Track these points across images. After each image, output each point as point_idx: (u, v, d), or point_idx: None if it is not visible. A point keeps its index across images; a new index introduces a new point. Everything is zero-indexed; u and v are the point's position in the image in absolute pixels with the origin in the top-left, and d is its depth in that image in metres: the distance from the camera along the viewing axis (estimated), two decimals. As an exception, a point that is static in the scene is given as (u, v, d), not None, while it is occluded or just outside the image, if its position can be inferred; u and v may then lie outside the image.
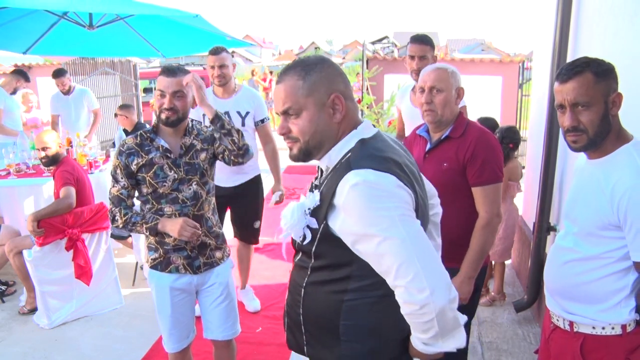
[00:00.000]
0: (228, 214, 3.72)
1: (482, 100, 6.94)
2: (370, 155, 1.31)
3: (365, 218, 1.25)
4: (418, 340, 1.34)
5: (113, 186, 2.26)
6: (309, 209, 1.36)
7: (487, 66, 8.79)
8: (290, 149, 1.40)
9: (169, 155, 2.23)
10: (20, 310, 3.82)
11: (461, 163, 2.12)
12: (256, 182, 3.71)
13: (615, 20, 2.57)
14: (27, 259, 3.55)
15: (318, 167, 1.48)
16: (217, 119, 2.25)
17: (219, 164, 3.55)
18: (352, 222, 1.27)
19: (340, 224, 1.31)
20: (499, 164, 2.14)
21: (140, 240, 4.17)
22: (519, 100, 8.61)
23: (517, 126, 8.58)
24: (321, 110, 1.34)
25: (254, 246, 3.95)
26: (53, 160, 3.64)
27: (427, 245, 1.27)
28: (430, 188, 1.68)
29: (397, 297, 1.29)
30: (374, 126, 1.47)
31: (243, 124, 3.51)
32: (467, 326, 2.32)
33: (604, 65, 1.55)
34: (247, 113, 3.53)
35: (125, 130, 5.32)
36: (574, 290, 1.66)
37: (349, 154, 1.34)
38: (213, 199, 2.40)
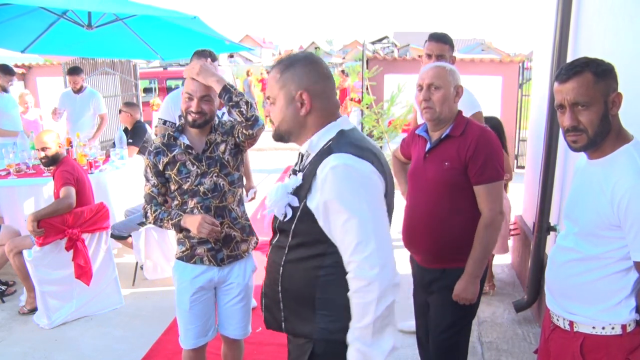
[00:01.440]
0: None
1: (482, 100, 6.92)
2: (350, 143, 1.47)
3: (339, 197, 1.40)
4: (351, 333, 1.42)
5: (145, 185, 2.34)
6: (292, 188, 1.51)
7: (487, 66, 8.78)
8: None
9: (190, 151, 2.27)
10: (20, 310, 3.82)
11: (463, 162, 2.10)
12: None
13: (615, 20, 2.57)
14: (27, 259, 3.55)
15: (299, 152, 1.62)
16: (224, 92, 2.21)
17: None
18: (327, 199, 1.41)
19: (317, 201, 1.45)
20: (500, 162, 2.13)
21: (140, 240, 4.17)
22: (519, 100, 8.61)
23: (517, 126, 8.58)
24: (290, 103, 1.51)
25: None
26: (53, 160, 3.64)
27: (386, 230, 1.43)
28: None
29: (348, 273, 1.42)
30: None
31: None
32: (468, 326, 2.33)
33: (603, 65, 1.55)
34: (223, 114, 3.53)
35: (125, 129, 5.32)
36: (575, 290, 1.66)
37: (330, 142, 1.49)
38: (239, 191, 2.41)
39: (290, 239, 1.55)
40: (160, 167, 2.27)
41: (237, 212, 2.38)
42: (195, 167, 2.26)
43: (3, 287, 4.13)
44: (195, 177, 2.26)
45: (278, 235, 1.62)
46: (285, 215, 1.52)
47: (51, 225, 3.46)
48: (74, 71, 5.94)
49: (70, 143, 4.97)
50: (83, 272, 3.58)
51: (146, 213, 2.35)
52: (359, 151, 1.45)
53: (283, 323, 1.62)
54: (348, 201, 1.39)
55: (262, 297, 1.70)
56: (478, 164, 2.08)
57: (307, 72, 1.51)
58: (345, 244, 1.41)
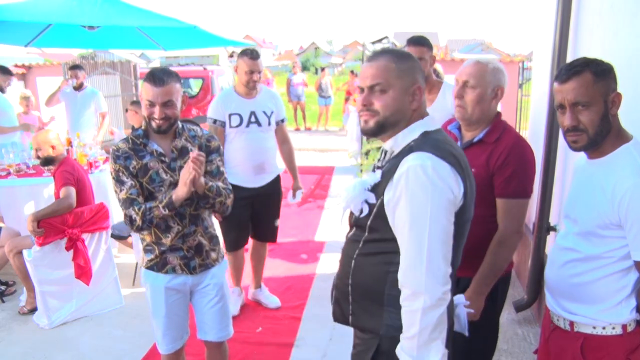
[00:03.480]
0: None
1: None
2: (432, 143, 1.46)
3: (408, 196, 1.40)
4: (400, 344, 1.45)
5: (120, 191, 2.18)
6: (369, 185, 1.51)
7: (487, 66, 8.75)
8: (366, 122, 1.54)
9: (163, 159, 2.22)
10: (20, 310, 3.82)
11: (490, 171, 1.97)
12: (278, 181, 3.75)
13: (615, 20, 2.57)
14: (27, 259, 3.55)
15: (382, 149, 1.63)
16: (203, 197, 2.21)
17: (239, 166, 3.57)
18: (398, 195, 1.42)
19: (389, 197, 1.45)
20: (529, 179, 1.98)
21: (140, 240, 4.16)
22: (519, 100, 8.60)
23: (517, 126, 8.57)
24: (404, 94, 1.50)
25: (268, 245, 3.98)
26: (46, 162, 3.65)
27: (442, 239, 1.40)
28: None
29: (398, 278, 1.43)
30: None
31: (269, 124, 3.57)
32: (492, 350, 2.22)
33: (603, 65, 1.55)
34: (272, 112, 3.59)
35: (132, 127, 5.36)
36: (575, 290, 1.66)
37: (412, 142, 1.48)
38: None
39: (366, 233, 1.55)
40: (132, 171, 2.19)
41: (208, 221, 2.37)
42: (168, 175, 2.21)
43: (3, 287, 4.12)
44: (168, 186, 2.20)
45: (354, 229, 1.62)
46: (362, 211, 1.53)
47: (51, 225, 3.46)
48: (75, 67, 5.98)
49: (70, 143, 4.97)
50: (83, 272, 3.58)
51: (131, 217, 2.13)
52: (439, 151, 1.43)
53: (350, 317, 1.61)
54: (413, 203, 1.39)
55: (332, 290, 1.70)
56: (504, 175, 1.95)
57: (417, 67, 1.55)
58: (400, 243, 1.43)
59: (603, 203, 1.54)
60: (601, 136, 1.56)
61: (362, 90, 1.55)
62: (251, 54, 3.39)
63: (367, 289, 1.55)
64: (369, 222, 1.52)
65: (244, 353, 3.21)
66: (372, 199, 1.50)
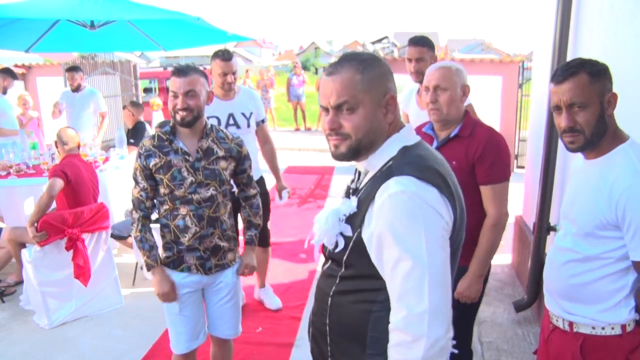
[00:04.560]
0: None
1: (482, 100, 6.93)
2: (414, 162, 1.25)
3: (394, 230, 1.20)
4: None
5: (134, 187, 2.29)
6: (344, 215, 1.32)
7: (487, 66, 8.78)
8: (337, 146, 1.31)
9: (187, 158, 2.23)
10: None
11: (470, 162, 2.14)
12: (261, 183, 3.70)
13: (615, 20, 2.57)
14: (27, 259, 3.55)
15: (355, 169, 1.44)
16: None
17: None
18: (381, 231, 1.22)
19: (370, 232, 1.26)
20: (507, 163, 2.19)
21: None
22: (519, 100, 8.61)
23: (517, 126, 8.58)
24: (377, 109, 1.28)
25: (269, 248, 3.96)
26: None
27: (442, 275, 1.20)
28: None
29: (390, 323, 1.23)
30: None
31: (248, 125, 3.49)
32: (470, 326, 2.31)
33: (598, 65, 1.56)
34: (251, 114, 3.51)
35: (129, 130, 5.38)
36: (574, 290, 1.66)
37: (391, 162, 1.28)
38: (229, 204, 2.39)
39: (342, 269, 1.36)
40: (152, 169, 2.22)
41: (227, 223, 2.37)
42: (190, 175, 2.22)
43: (3, 287, 4.12)
44: (189, 185, 2.21)
45: (330, 262, 1.43)
46: (337, 245, 1.33)
47: (51, 225, 3.46)
48: (71, 69, 5.98)
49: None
50: (82, 273, 3.57)
51: (132, 224, 2.32)
52: (423, 174, 1.22)
53: (330, 358, 1.45)
54: (403, 237, 1.18)
55: (309, 325, 1.54)
56: (486, 164, 2.12)
57: (387, 71, 1.31)
58: (394, 285, 1.21)
59: (600, 204, 1.55)
60: (598, 137, 1.56)
61: (325, 110, 1.30)
62: (223, 55, 3.30)
63: (347, 330, 1.37)
64: (344, 258, 1.33)
65: (244, 353, 3.21)
66: (347, 231, 1.30)
